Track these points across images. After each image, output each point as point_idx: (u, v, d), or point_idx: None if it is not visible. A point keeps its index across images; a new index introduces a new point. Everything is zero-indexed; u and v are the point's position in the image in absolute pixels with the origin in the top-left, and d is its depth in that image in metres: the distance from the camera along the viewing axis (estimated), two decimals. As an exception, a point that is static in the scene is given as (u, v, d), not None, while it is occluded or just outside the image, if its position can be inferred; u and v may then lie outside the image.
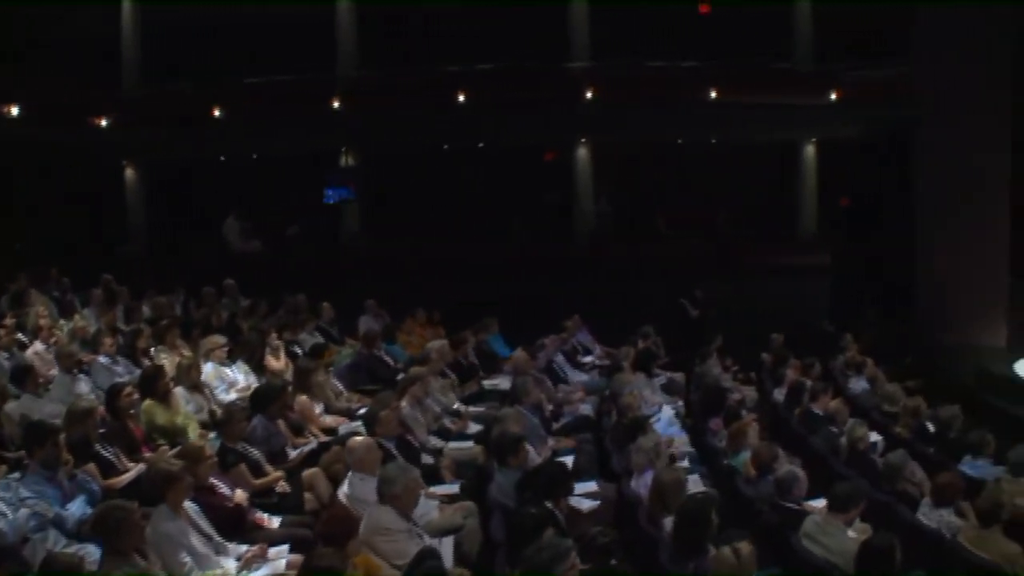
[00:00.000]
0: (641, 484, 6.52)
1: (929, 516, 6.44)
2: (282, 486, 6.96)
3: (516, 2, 19.44)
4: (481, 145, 20.65)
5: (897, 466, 7.01)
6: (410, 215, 20.30)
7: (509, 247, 19.91)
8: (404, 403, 8.13)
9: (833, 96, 19.61)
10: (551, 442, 8.37)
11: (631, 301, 15.27)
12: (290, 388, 8.55)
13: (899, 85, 16.46)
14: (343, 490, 6.28)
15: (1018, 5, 13.45)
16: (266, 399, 7.71)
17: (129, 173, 21.01)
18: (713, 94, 19.37)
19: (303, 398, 8.59)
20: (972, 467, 7.88)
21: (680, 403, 10.57)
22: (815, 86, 19.74)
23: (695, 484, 7.41)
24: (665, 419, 9.38)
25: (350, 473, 6.32)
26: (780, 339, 12.87)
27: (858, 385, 11.47)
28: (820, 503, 6.37)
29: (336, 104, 19.48)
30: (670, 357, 13.15)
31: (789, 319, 14.72)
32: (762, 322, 13.80)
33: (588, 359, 12.99)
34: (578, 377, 11.77)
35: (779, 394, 10.61)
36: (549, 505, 5.61)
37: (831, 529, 5.82)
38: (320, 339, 11.90)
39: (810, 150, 20.63)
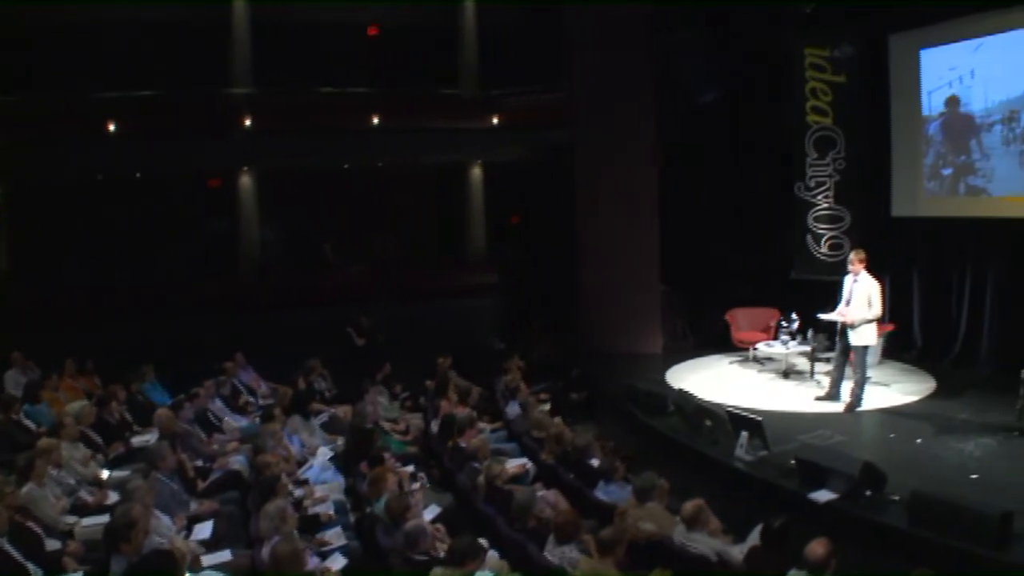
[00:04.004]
0: (269, 553, 6.41)
1: (553, 553, 6.78)
2: None
3: (175, 26, 18.76)
4: (138, 175, 19.58)
5: (524, 506, 7.29)
6: (61, 252, 18.97)
7: (170, 282, 19.20)
8: (29, 484, 7.57)
9: (496, 120, 20.40)
10: (194, 506, 8.07)
11: (298, 332, 15.11)
12: None
13: (556, 110, 17.57)
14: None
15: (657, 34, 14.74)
16: None
17: None
18: (376, 120, 19.56)
19: (-97, 492, 7.75)
20: (605, 492, 8.40)
21: (340, 442, 10.33)
22: (478, 111, 20.44)
23: (336, 537, 7.46)
24: (318, 465, 9.25)
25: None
26: (446, 363, 12.88)
27: (513, 410, 11.71)
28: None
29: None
30: (338, 389, 13.11)
31: (462, 340, 15.10)
32: (435, 345, 13.91)
33: (252, 400, 12.65)
34: (237, 423, 11.38)
35: (436, 425, 10.80)
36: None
37: (448, 583, 6.00)
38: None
39: (476, 172, 21.31)
